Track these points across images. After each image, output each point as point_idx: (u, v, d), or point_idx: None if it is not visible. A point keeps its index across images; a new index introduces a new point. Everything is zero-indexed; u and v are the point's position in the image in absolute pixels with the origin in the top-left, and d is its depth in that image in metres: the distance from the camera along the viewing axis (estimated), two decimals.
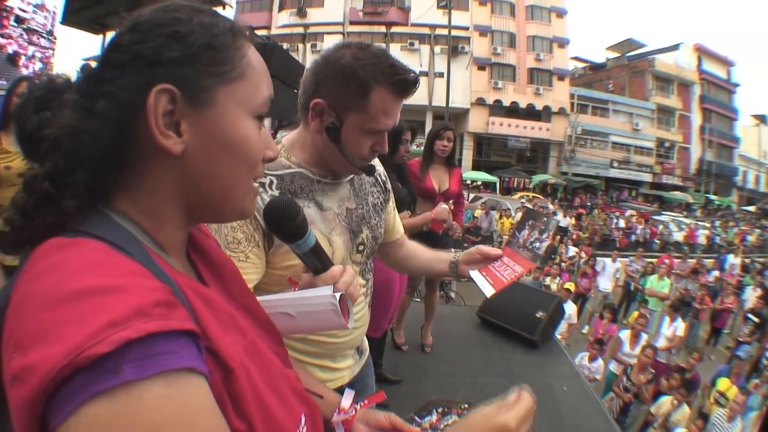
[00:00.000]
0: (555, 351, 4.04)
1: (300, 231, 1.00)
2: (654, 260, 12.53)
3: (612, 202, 33.90)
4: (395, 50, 33.84)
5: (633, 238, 21.56)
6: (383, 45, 33.10)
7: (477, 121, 35.54)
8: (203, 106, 0.62)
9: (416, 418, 1.43)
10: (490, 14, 36.46)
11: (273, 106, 0.71)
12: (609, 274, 11.37)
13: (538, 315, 4.13)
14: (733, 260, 15.89)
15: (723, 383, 6.46)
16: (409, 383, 3.45)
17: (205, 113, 0.62)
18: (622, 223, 22.98)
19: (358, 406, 1.14)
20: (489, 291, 1.50)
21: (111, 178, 0.61)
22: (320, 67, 1.28)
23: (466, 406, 1.43)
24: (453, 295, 8.18)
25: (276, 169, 1.32)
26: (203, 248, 0.79)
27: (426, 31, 34.82)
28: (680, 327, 8.19)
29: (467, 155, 35.37)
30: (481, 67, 35.95)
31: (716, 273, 13.73)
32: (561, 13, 37.64)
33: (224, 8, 7.17)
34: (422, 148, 4.07)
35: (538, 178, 35.27)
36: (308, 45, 34.99)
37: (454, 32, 28.79)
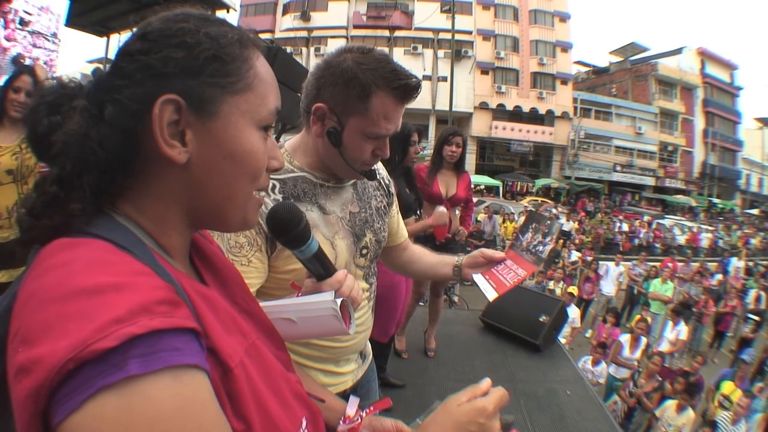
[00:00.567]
0: (558, 355, 4.02)
1: (303, 237, 1.00)
2: (657, 264, 12.49)
3: (615, 206, 33.81)
4: (398, 54, 33.93)
5: (636, 241, 21.49)
6: (386, 49, 33.32)
7: (480, 125, 35.51)
8: (209, 117, 0.63)
9: (421, 422, 1.43)
10: (494, 18, 36.47)
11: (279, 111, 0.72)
12: (612, 277, 11.34)
13: (541, 319, 4.12)
14: (737, 263, 15.85)
15: (727, 386, 6.45)
16: (413, 388, 3.45)
17: (210, 124, 0.63)
18: (625, 227, 22.91)
19: (364, 414, 1.13)
20: (492, 294, 1.49)
21: (117, 183, 0.62)
22: (322, 71, 1.28)
23: None
24: (456, 299, 8.15)
25: (279, 174, 1.32)
26: (206, 253, 0.80)
27: (429, 35, 34.84)
28: (683, 331, 8.19)
29: (470, 159, 35.31)
30: (485, 72, 35.94)
31: (719, 276, 13.69)
32: (564, 18, 37.64)
33: (228, 12, 7.17)
34: (428, 152, 4.06)
35: (541, 182, 35.22)
36: (312, 49, 35.03)
37: (458, 36, 28.82)
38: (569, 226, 19.41)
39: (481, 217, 17.13)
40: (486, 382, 0.87)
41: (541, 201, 27.28)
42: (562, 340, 5.02)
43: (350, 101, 1.24)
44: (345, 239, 1.40)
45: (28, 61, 4.85)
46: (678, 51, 42.76)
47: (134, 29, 0.64)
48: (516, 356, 3.96)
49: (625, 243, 20.38)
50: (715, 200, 41.63)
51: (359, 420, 1.11)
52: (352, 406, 1.13)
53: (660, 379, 6.21)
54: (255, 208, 0.73)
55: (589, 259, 13.01)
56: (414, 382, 3.52)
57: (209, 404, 0.51)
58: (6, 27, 4.60)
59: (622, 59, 44.52)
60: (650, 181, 39.80)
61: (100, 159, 0.59)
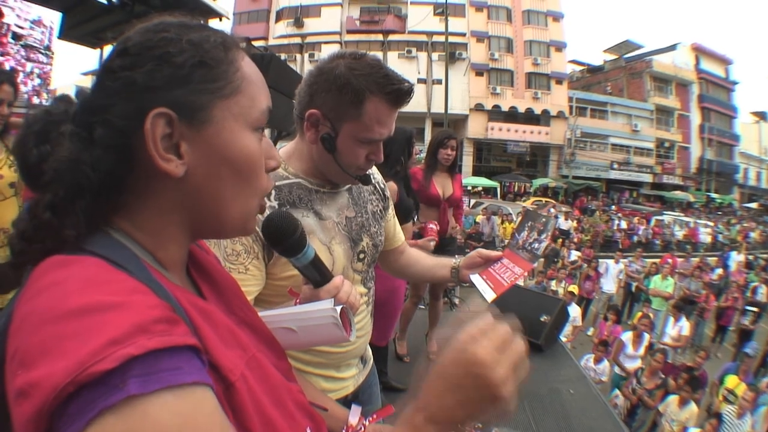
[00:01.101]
0: (560, 354, 4.02)
1: (299, 245, 1.00)
2: (657, 260, 12.50)
3: (614, 203, 33.85)
4: (393, 58, 34.01)
5: (635, 239, 21.50)
6: (380, 53, 33.53)
7: (476, 127, 35.57)
8: (201, 125, 0.62)
9: None
10: (487, 20, 36.58)
11: (272, 117, 0.71)
12: (612, 275, 11.35)
13: (542, 319, 4.11)
14: (737, 257, 15.85)
15: (731, 380, 6.44)
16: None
17: (203, 132, 0.62)
18: (623, 225, 22.92)
19: (367, 422, 1.12)
20: (490, 295, 1.50)
21: (111, 202, 0.61)
22: (315, 77, 1.29)
23: (480, 426, 1.40)
24: (456, 301, 8.14)
25: (274, 180, 1.32)
26: (203, 264, 0.79)
27: (423, 38, 34.93)
28: (685, 326, 8.18)
29: (467, 161, 35.38)
30: (479, 73, 36.02)
31: (720, 271, 13.69)
32: (557, 17, 37.74)
33: (221, 20, 7.19)
34: (424, 155, 4.07)
35: (538, 182, 35.26)
36: (306, 55, 35.06)
37: (451, 39, 28.92)
38: (568, 225, 19.44)
39: (480, 218, 17.14)
40: (488, 316, 0.71)
41: (545, 201, 27.34)
42: (564, 339, 5.02)
43: (343, 107, 1.25)
44: (342, 244, 1.40)
45: (21, 76, 4.83)
46: (672, 47, 42.93)
47: (113, 44, 0.63)
48: None
49: (624, 240, 20.37)
50: (714, 195, 41.71)
51: (362, 429, 1.10)
52: (354, 415, 1.12)
53: (663, 375, 6.20)
54: (254, 214, 0.72)
55: (588, 258, 12.99)
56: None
57: (214, 418, 0.50)
58: (0, 42, 4.60)
59: (616, 57, 44.66)
60: (648, 177, 39.90)
61: (94, 182, 0.58)
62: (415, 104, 33.44)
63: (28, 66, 4.90)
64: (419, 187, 3.83)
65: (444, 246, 3.88)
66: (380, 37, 35.77)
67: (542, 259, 13.08)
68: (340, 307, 0.98)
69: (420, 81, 34.29)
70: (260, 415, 0.60)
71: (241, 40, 0.70)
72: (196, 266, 0.77)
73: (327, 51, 34.23)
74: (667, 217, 26.71)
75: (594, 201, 32.79)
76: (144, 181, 0.61)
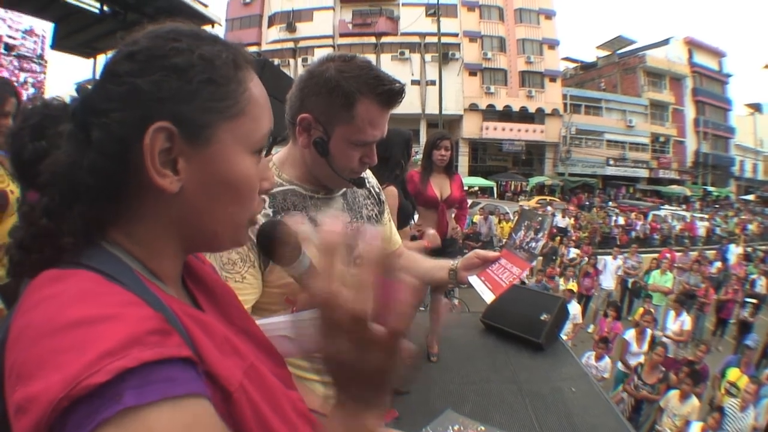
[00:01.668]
0: (561, 352, 4.00)
1: (293, 255, 0.99)
2: (656, 255, 12.50)
3: (610, 200, 33.89)
4: (386, 60, 34.03)
5: (633, 234, 21.51)
6: (374, 56, 33.47)
7: (471, 127, 35.62)
8: (202, 144, 0.61)
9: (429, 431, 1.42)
10: (479, 20, 36.65)
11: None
12: (611, 271, 11.36)
13: (542, 317, 4.10)
14: (736, 250, 15.87)
15: (733, 373, 6.45)
16: (417, 393, 3.41)
17: (203, 151, 0.61)
18: (621, 221, 22.94)
19: None
20: (489, 297, 1.50)
21: (107, 211, 0.61)
22: (305, 81, 1.29)
23: (482, 429, 1.40)
24: (456, 302, 8.15)
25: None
26: (199, 275, 0.79)
27: (416, 39, 34.95)
28: (687, 321, 8.19)
29: (463, 161, 35.42)
30: (473, 73, 36.08)
31: (719, 264, 13.71)
32: (549, 15, 37.82)
33: (213, 26, 7.21)
34: (420, 157, 4.07)
35: (534, 180, 35.29)
36: (299, 59, 35.11)
37: (444, 39, 28.94)
38: (565, 222, 19.45)
39: (477, 218, 17.12)
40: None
41: (549, 200, 27.39)
42: (565, 338, 5.01)
43: (335, 110, 1.25)
44: None
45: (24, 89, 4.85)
46: (665, 42, 43.02)
47: (120, 46, 0.61)
48: (519, 356, 3.94)
49: (622, 236, 20.37)
50: (710, 188, 41.82)
51: None
52: None
53: (664, 369, 6.21)
54: (244, 228, 0.71)
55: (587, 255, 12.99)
56: (418, 387, 3.49)
57: (213, 427, 0.50)
58: None
59: (609, 53, 44.79)
60: (644, 173, 40.00)
61: (91, 188, 0.57)
62: (410, 105, 33.44)
63: (22, 76, 4.90)
64: (416, 190, 3.83)
65: (445, 247, 3.87)
66: (373, 39, 35.81)
67: (540, 258, 13.09)
68: None
69: (414, 82, 34.32)
70: (260, 423, 0.60)
71: (250, 55, 0.68)
72: (192, 277, 0.77)
73: (320, 55, 34.20)
74: (664, 211, 26.75)
75: (591, 197, 32.84)
76: (139, 193, 0.60)
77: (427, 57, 34.64)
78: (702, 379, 6.31)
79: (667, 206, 29.67)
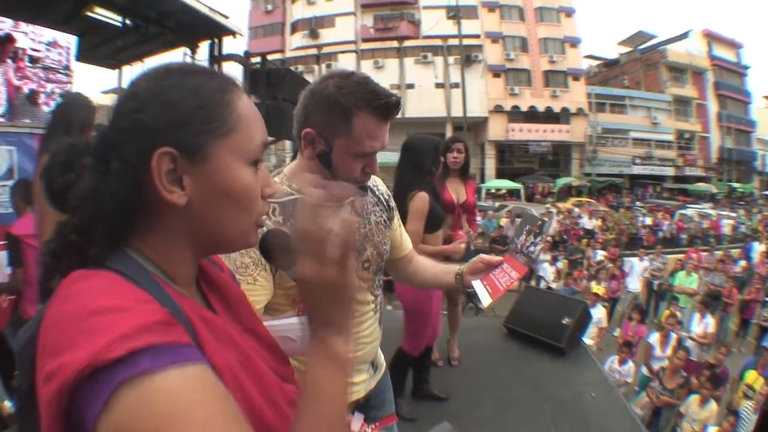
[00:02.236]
0: (583, 357, 3.99)
1: (292, 260, 1.03)
2: (681, 256, 12.25)
3: (638, 200, 33.29)
4: (409, 64, 34.19)
5: (660, 234, 21.10)
6: (396, 60, 33.43)
7: (496, 129, 35.45)
8: (201, 162, 0.70)
9: None
10: (500, 20, 36.49)
11: (290, 130, 0.77)
12: (637, 273, 11.22)
13: (564, 321, 4.09)
14: (759, 247, 15.38)
15: (751, 375, 6.30)
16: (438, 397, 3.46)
17: (203, 167, 0.71)
18: (648, 221, 22.50)
19: (369, 430, 1.15)
20: (486, 300, 1.56)
21: (126, 225, 0.71)
22: (308, 99, 1.38)
23: None
24: (481, 305, 8.10)
25: (279, 197, 1.38)
26: (214, 279, 0.88)
27: (438, 42, 34.86)
28: (710, 323, 8.05)
29: (490, 164, 35.33)
30: (496, 74, 35.94)
31: (743, 263, 13.35)
32: (569, 13, 37.47)
33: (235, 37, 7.29)
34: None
35: (561, 181, 34.87)
36: (323, 65, 35.29)
37: (466, 41, 28.86)
38: (592, 224, 19.19)
39: (504, 221, 17.01)
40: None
41: (586, 201, 27.22)
42: (590, 342, 4.97)
43: (334, 124, 1.34)
44: None
45: (42, 96, 4.97)
46: (684, 35, 42.18)
47: (124, 89, 0.72)
48: (540, 360, 3.94)
49: (649, 237, 19.98)
50: (735, 185, 40.69)
51: None
52: (356, 423, 1.15)
53: (685, 374, 6.12)
54: (255, 230, 0.80)
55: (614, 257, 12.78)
56: (439, 392, 3.53)
57: (214, 386, 0.60)
58: (17, 67, 4.73)
59: (631, 49, 44.15)
60: (670, 171, 39.32)
61: (112, 210, 0.68)
62: (435, 109, 33.43)
63: (49, 87, 5.03)
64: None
65: (467, 257, 3.86)
66: (395, 43, 35.91)
67: (566, 261, 12.94)
68: None
69: (438, 86, 34.39)
70: (252, 412, 0.68)
71: (236, 81, 0.78)
72: (207, 281, 0.87)
73: (343, 60, 34.68)
74: (690, 210, 26.24)
75: (619, 197, 32.32)
76: (153, 208, 0.70)
77: (450, 59, 34.59)
78: (721, 383, 6.20)
79: (692, 205, 29.03)
